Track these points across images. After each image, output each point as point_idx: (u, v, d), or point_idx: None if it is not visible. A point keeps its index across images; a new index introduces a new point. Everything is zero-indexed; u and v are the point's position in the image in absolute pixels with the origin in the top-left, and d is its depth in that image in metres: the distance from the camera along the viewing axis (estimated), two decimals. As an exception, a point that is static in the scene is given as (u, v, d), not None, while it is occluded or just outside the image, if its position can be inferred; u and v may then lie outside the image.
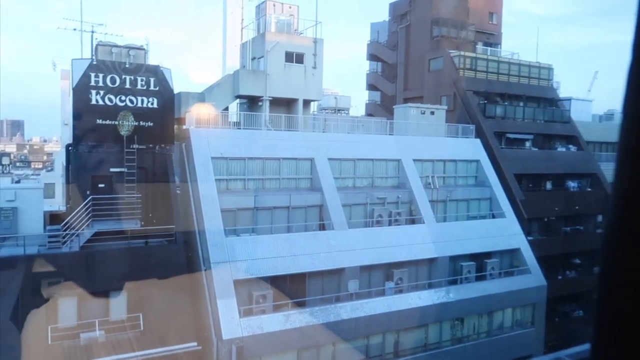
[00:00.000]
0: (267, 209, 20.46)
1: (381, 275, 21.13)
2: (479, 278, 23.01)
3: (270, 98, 25.32)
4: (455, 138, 27.38)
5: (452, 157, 26.17)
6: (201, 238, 18.28)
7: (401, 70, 37.08)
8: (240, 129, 22.71)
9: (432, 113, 28.47)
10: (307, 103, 26.91)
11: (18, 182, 23.66)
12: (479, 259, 23.44)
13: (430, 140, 26.21)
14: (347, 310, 19.08)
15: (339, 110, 35.46)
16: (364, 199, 22.63)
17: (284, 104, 26.33)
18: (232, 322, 16.67)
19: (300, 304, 18.68)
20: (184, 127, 21.57)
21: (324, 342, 18.44)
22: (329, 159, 22.40)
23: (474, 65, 31.85)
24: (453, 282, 22.38)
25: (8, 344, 14.26)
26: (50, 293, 15.20)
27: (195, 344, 16.08)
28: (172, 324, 16.14)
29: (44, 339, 14.70)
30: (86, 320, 15.38)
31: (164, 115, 19.50)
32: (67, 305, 15.31)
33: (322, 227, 21.19)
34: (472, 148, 27.20)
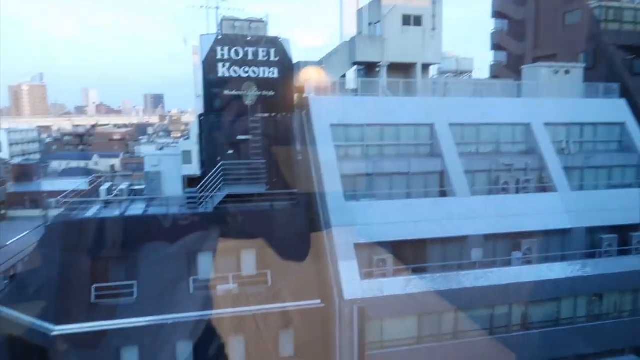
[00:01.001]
0: (386, 175, 20.35)
1: (507, 245, 20.03)
2: (622, 252, 20.74)
3: (387, 63, 24.87)
4: (595, 99, 24.58)
5: (590, 119, 23.60)
6: (322, 202, 18.81)
7: (530, 27, 33.96)
8: (358, 95, 22.68)
9: (567, 72, 25.80)
10: (425, 67, 25.97)
11: (161, 149, 26.33)
12: (623, 232, 21.07)
13: (564, 102, 23.85)
14: (471, 279, 18.47)
15: (460, 73, 33.70)
16: (488, 165, 21.44)
17: (401, 69, 25.68)
18: (353, 283, 17.07)
19: (421, 270, 18.49)
20: (304, 95, 22.11)
21: (445, 309, 18.13)
22: (450, 124, 21.51)
23: (619, 16, 28.06)
24: (590, 256, 20.44)
25: (160, 292, 16.15)
26: (191, 249, 16.80)
27: (319, 301, 16.79)
28: (297, 281, 16.98)
29: (187, 288, 16.39)
30: (221, 274, 16.82)
31: (284, 84, 20.11)
32: (205, 259, 16.86)
33: (443, 194, 20.59)
34: (615, 109, 24.24)
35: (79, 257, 16.11)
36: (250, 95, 19.96)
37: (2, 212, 51.69)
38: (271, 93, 19.90)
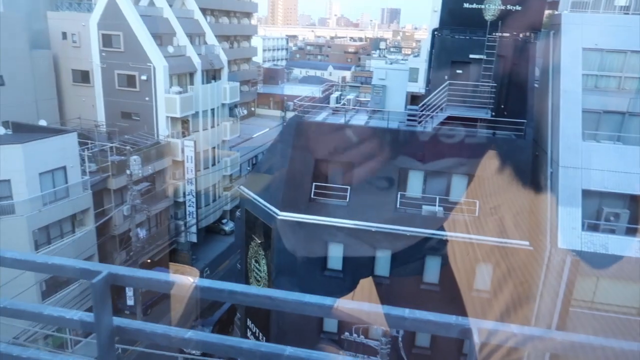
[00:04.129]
0: (643, 115, 16.84)
1: None
2: None
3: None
4: None
5: None
6: (553, 138, 16.75)
7: None
8: (628, 14, 18.65)
9: None
10: None
11: (390, 64, 26.69)
12: None
13: None
14: None
15: None
16: None
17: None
18: (572, 232, 15.26)
19: (666, 236, 15.41)
20: (556, 12, 19.18)
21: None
22: None
23: None
24: None
25: (368, 201, 17.09)
26: (403, 165, 17.07)
27: (527, 243, 15.62)
28: (507, 218, 15.97)
29: (394, 202, 16.94)
30: (429, 195, 16.83)
31: (535, -2, 17.68)
32: (414, 177, 17.01)
33: None
34: None
35: (305, 156, 17.91)
36: (492, 9, 18.20)
37: (252, 109, 60.35)
38: (517, 7, 17.78)
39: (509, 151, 16.74)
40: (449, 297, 16.57)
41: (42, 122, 26.54)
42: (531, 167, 16.58)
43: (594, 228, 15.60)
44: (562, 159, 16.01)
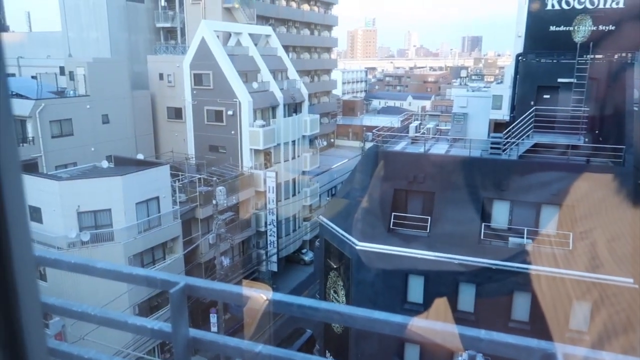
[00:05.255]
0: None
1: None
2: None
3: None
4: None
5: None
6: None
7: None
8: None
9: None
10: None
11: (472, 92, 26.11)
12: None
13: None
14: None
15: None
16: None
17: None
18: (685, 270, 13.65)
19: None
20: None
21: None
22: None
23: None
24: None
25: (451, 232, 16.51)
26: (487, 194, 16.37)
27: (631, 280, 14.18)
28: (605, 252, 14.64)
29: (477, 234, 16.22)
30: (515, 226, 15.93)
31: (631, 16, 16.59)
32: (500, 208, 16.21)
33: None
34: None
35: (384, 185, 17.78)
36: (582, 30, 17.34)
37: (332, 140, 61.32)
38: (610, 27, 16.79)
39: (607, 179, 15.50)
40: (541, 336, 15.33)
41: (140, 156, 28.75)
42: (633, 197, 15.20)
43: None
44: (670, 187, 14.55)
